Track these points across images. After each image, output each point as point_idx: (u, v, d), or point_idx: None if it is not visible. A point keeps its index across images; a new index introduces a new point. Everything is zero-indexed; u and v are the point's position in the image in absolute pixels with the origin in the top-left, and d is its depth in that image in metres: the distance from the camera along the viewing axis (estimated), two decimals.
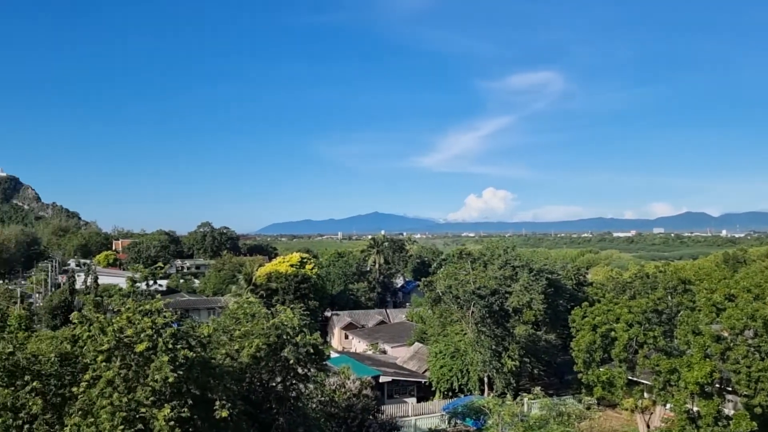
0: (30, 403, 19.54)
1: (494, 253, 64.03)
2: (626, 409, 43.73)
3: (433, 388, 52.47)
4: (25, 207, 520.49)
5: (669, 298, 43.13)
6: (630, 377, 39.93)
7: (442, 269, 67.36)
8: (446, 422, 46.21)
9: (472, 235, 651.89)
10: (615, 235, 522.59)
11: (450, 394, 51.24)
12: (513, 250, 66.35)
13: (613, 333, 39.64)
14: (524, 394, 42.99)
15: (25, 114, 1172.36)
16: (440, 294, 53.32)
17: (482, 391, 50.20)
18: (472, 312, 49.73)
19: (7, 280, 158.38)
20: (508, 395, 42.77)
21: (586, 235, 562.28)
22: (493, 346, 48.63)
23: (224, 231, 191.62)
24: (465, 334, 51.64)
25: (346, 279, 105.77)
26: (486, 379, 50.21)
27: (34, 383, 19.21)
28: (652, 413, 42.28)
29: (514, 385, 49.26)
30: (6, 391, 18.80)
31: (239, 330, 25.52)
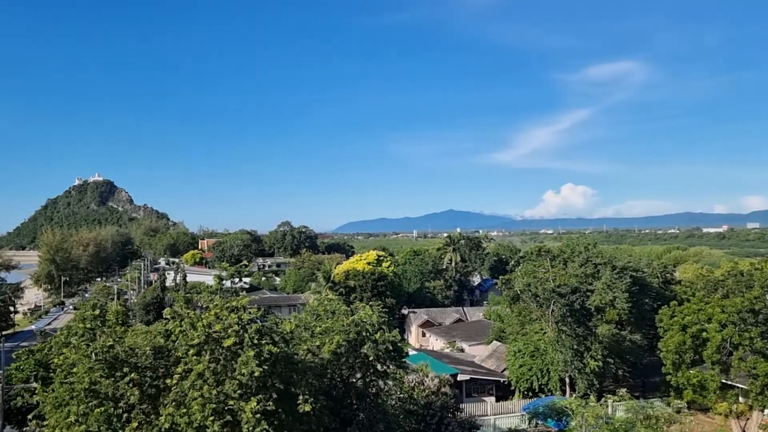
0: (128, 394, 20.80)
1: (574, 250, 62.30)
2: (719, 414, 41.51)
3: (512, 388, 51.69)
4: (120, 209, 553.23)
5: (767, 297, 40.57)
6: (723, 380, 37.90)
7: (520, 267, 66.13)
8: (526, 422, 45.42)
9: (550, 232, 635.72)
10: (704, 230, 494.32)
11: (530, 393, 50.31)
12: (594, 247, 64.32)
13: (704, 334, 37.75)
14: (608, 395, 41.49)
15: (120, 122, 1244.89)
16: (519, 292, 52.45)
17: (563, 392, 48.98)
18: (552, 311, 48.61)
19: (104, 278, 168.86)
20: (591, 396, 41.53)
21: (672, 231, 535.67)
22: (575, 346, 47.34)
23: (303, 230, 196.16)
24: (545, 333, 50.55)
25: (422, 277, 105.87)
26: (567, 380, 48.95)
27: (132, 375, 20.39)
28: (748, 419, 39.94)
29: (597, 386, 47.75)
30: (107, 381, 20.05)
31: (320, 326, 26.11)
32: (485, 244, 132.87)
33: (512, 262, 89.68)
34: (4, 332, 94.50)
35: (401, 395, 33.64)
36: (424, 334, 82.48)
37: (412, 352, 57.28)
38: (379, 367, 26.47)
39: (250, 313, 21.62)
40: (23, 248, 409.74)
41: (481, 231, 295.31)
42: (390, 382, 27.68)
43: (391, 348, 25.66)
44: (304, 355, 24.72)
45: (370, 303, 29.24)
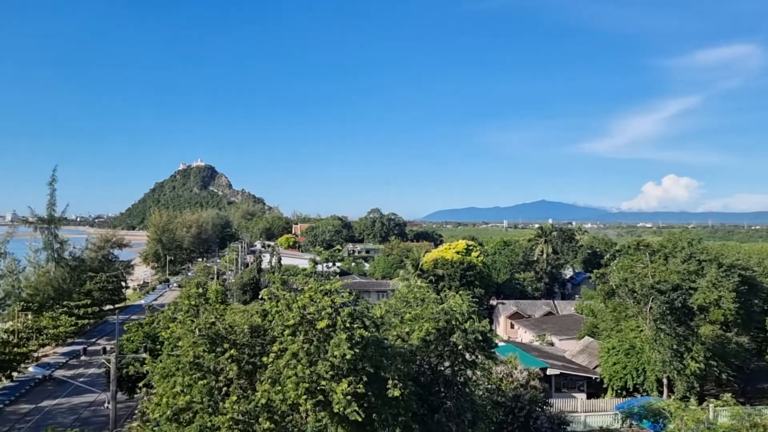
0: (227, 369, 21.92)
1: (676, 245, 59.03)
2: None
3: (605, 385, 50.01)
4: (219, 193, 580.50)
5: None
6: None
7: (616, 261, 63.47)
8: (620, 422, 43.83)
9: (649, 225, 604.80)
10: None
11: (623, 392, 48.47)
12: (698, 242, 60.70)
13: None
14: (710, 399, 39.28)
15: (222, 111, 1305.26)
16: (614, 287, 50.47)
17: (660, 393, 46.81)
18: (651, 308, 46.44)
19: (205, 258, 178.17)
20: (691, 399, 39.47)
21: None
22: (674, 346, 45.03)
23: (392, 217, 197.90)
24: (641, 330, 48.40)
25: (512, 268, 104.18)
26: (665, 381, 46.71)
27: (231, 351, 21.44)
28: None
29: (698, 389, 45.28)
30: (209, 356, 21.21)
31: (409, 313, 26.34)
32: (578, 237, 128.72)
33: (607, 256, 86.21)
34: (116, 305, 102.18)
35: (489, 386, 33.42)
36: (512, 326, 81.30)
37: (500, 344, 56.65)
38: (467, 356, 26.40)
39: (342, 296, 22.15)
40: (133, 228, 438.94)
41: (574, 223, 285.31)
42: (478, 372, 27.54)
43: (480, 338, 25.50)
44: (393, 341, 25.07)
45: (459, 292, 29.06)
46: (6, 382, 57.10)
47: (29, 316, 75.38)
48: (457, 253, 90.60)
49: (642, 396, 46.43)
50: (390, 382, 20.65)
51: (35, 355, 67.65)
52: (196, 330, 21.97)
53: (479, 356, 26.56)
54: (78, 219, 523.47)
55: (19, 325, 70.93)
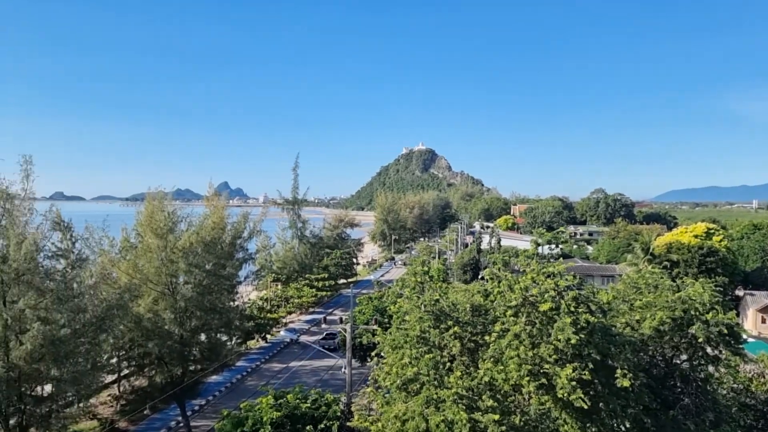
0: (450, 345, 22.75)
1: None
2: None
3: None
4: (439, 175, 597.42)
5: None
6: None
7: None
8: None
9: None
10: None
11: None
12: None
13: None
14: None
15: (443, 95, 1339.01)
16: None
17: None
18: None
19: (426, 238, 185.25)
20: None
21: None
22: None
23: (618, 198, 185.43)
24: None
25: (763, 255, 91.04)
26: None
27: (455, 328, 22.19)
28: None
29: None
30: (434, 331, 22.22)
31: (640, 300, 24.67)
32: None
33: None
34: (348, 280, 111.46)
35: (735, 386, 29.90)
36: (764, 320, 71.34)
37: (749, 340, 50.29)
38: (709, 350, 23.91)
39: (566, 279, 21.55)
40: (362, 209, 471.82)
41: None
42: (722, 369, 24.79)
43: (725, 331, 22.89)
44: (621, 329, 23.73)
45: (699, 279, 26.29)
46: (261, 343, 66.00)
47: (278, 287, 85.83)
48: (695, 237, 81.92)
49: None
50: (618, 371, 19.64)
51: (284, 321, 77.00)
52: (422, 306, 23.14)
53: (723, 351, 23.86)
54: (315, 200, 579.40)
55: (270, 294, 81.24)
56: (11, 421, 28.67)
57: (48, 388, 31.49)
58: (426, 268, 25.08)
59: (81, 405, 39.12)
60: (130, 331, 37.19)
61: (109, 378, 46.86)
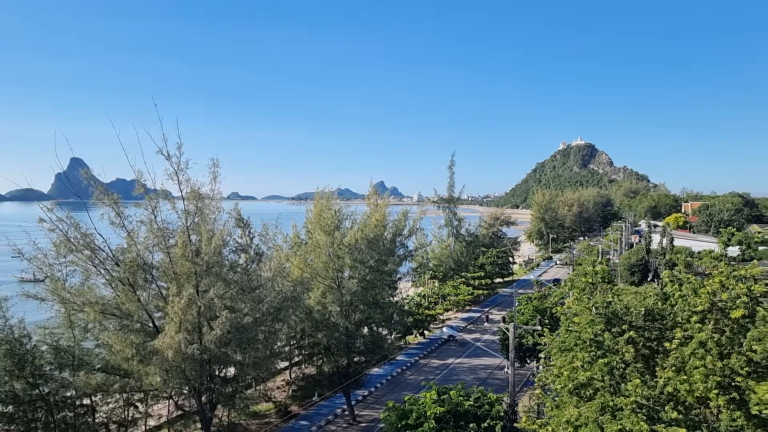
0: (623, 350, 21.42)
1: None
2: None
3: None
4: (600, 171, 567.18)
5: None
6: None
7: None
8: None
9: None
10: None
11: None
12: None
13: None
14: None
15: (602, 87, 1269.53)
16: None
17: None
18: None
19: (586, 237, 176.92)
20: None
21: None
22: None
23: None
24: None
25: None
26: None
27: (630, 332, 20.86)
28: None
29: None
30: (608, 335, 21.06)
31: None
32: None
33: None
34: (504, 279, 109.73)
35: None
36: None
37: None
38: None
39: (766, 285, 19.37)
40: (516, 207, 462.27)
41: None
42: None
43: None
44: None
45: None
46: (420, 339, 67.20)
47: (435, 284, 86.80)
48: None
49: None
50: None
51: (441, 317, 77.73)
52: (593, 308, 22.06)
53: None
54: (469, 198, 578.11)
55: (427, 291, 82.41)
56: (203, 398, 31.96)
57: (232, 370, 34.71)
58: (597, 269, 23.84)
59: (259, 387, 42.69)
60: (301, 321, 39.84)
61: (282, 364, 50.38)
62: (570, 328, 22.47)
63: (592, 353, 20.37)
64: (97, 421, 34.27)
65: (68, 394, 31.79)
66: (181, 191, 30.88)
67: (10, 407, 30.31)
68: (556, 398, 21.55)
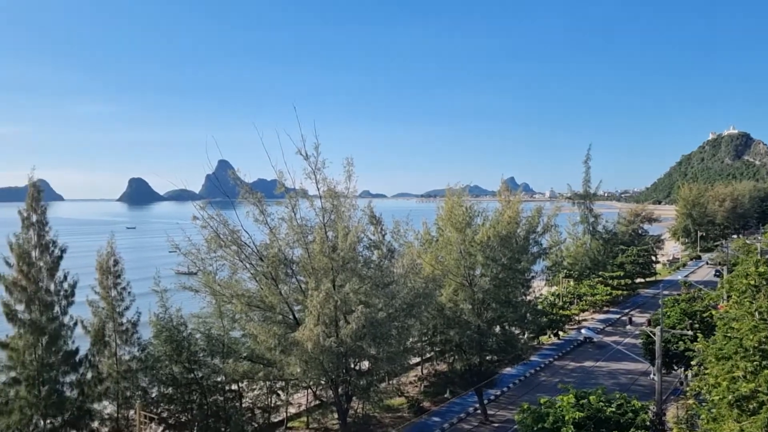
0: None
1: None
2: None
3: None
4: (756, 162, 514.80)
5: None
6: None
7: None
8: None
9: None
10: None
11: None
12: None
13: None
14: None
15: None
16: None
17: None
18: None
19: (741, 235, 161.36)
20: None
21: None
22: None
23: None
24: None
25: None
26: None
27: None
28: None
29: None
30: None
31: None
32: None
33: None
34: (646, 279, 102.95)
35: None
36: None
37: None
38: None
39: None
40: (659, 202, 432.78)
41: None
42: None
43: None
44: None
45: None
46: (554, 339, 64.92)
47: (570, 283, 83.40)
48: None
49: None
50: None
51: (576, 318, 74.55)
52: (756, 313, 20.00)
53: None
54: (606, 194, 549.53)
55: (562, 290, 79.38)
56: (339, 389, 33.07)
57: (366, 364, 35.60)
58: (761, 269, 21.51)
59: (392, 382, 43.44)
60: (433, 318, 39.95)
61: (414, 360, 50.86)
62: (729, 334, 20.49)
63: (756, 362, 18.42)
64: (243, 405, 36.73)
65: (218, 379, 34.43)
66: (318, 190, 32.14)
67: (170, 389, 33.43)
68: (713, 410, 19.75)
